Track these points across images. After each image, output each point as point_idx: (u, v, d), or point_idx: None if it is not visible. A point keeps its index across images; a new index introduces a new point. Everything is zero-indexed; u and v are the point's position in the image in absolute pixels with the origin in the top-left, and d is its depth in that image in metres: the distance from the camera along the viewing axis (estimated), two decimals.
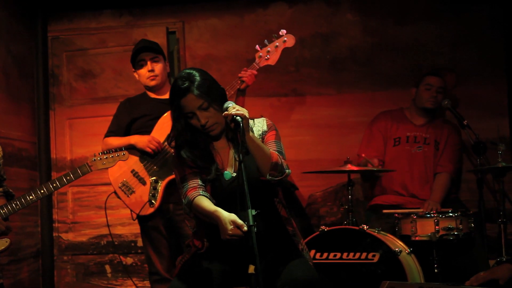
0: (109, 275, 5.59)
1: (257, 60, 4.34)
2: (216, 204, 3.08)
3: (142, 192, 4.25)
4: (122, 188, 4.28)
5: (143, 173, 4.27)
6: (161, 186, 4.21)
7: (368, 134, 5.02)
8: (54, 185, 3.94)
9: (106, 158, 4.05)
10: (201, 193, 3.11)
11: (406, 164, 4.87)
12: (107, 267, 5.60)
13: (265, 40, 4.35)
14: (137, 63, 4.39)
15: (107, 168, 4.09)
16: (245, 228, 2.83)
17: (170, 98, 3.13)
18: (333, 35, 5.48)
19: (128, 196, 4.27)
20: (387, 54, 5.41)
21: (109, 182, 5.29)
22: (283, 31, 4.37)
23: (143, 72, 4.38)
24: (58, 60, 5.71)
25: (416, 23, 5.39)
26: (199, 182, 3.16)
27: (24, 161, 5.40)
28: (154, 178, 4.24)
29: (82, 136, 5.63)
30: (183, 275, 3.06)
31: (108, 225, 4.50)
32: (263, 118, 3.31)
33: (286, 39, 4.36)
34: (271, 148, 3.15)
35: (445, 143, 4.90)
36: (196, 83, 3.06)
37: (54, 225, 5.65)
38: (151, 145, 4.21)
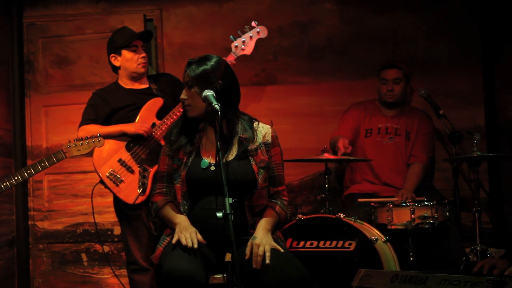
0: (85, 263, 5.56)
1: (234, 49, 4.42)
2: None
3: (131, 181, 4.22)
4: (110, 178, 4.23)
5: (130, 162, 4.25)
6: (150, 174, 4.19)
7: (341, 121, 5.04)
8: (29, 171, 3.91)
9: (81, 144, 4.04)
10: (169, 200, 3.34)
11: (378, 155, 4.90)
12: (83, 256, 5.56)
13: (238, 31, 4.44)
14: (130, 47, 4.34)
15: (82, 155, 4.09)
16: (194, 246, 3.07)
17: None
18: (311, 24, 5.48)
19: (117, 186, 4.22)
20: (365, 43, 5.42)
21: (86, 170, 5.27)
22: (254, 23, 4.45)
23: (135, 57, 4.35)
24: (34, 46, 5.65)
25: (393, 12, 5.40)
26: (164, 188, 3.37)
27: None
28: (142, 166, 4.22)
29: (58, 123, 5.57)
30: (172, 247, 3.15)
31: (93, 213, 4.46)
32: (268, 126, 3.42)
33: (259, 30, 4.48)
34: (277, 172, 3.35)
35: (416, 132, 4.94)
36: (198, 64, 3.25)
37: (29, 213, 5.60)
38: (144, 128, 4.20)
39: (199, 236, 3.13)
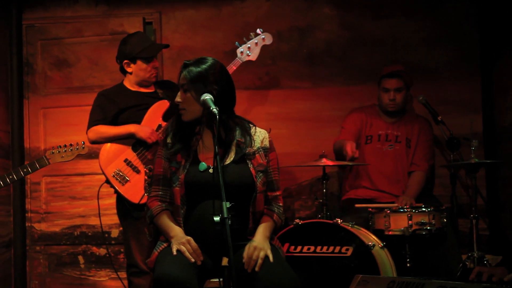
0: (82, 265, 5.56)
1: (239, 55, 4.42)
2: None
3: (137, 181, 4.22)
4: (116, 177, 4.23)
5: (136, 162, 4.25)
6: None
7: (344, 125, 5.03)
8: (11, 177, 3.94)
9: (65, 151, 4.10)
10: (164, 208, 3.28)
11: (377, 162, 4.89)
12: (80, 258, 5.56)
13: (244, 38, 4.43)
14: (148, 58, 4.34)
15: (65, 161, 4.15)
16: (197, 262, 3.04)
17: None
18: (309, 28, 5.49)
19: (123, 185, 4.22)
20: (363, 48, 5.43)
21: (84, 173, 5.27)
22: (260, 30, 4.44)
23: (149, 67, 4.36)
24: (33, 48, 5.65)
25: (392, 18, 5.42)
26: (160, 191, 3.31)
27: None
28: (148, 166, 4.22)
29: (57, 125, 5.58)
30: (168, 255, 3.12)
31: (99, 214, 4.43)
32: (265, 131, 3.39)
33: (264, 36, 4.48)
34: (274, 177, 3.33)
35: (417, 140, 4.93)
36: (194, 66, 3.21)
37: (27, 215, 5.60)
38: (153, 137, 4.20)
39: (194, 244, 3.11)
